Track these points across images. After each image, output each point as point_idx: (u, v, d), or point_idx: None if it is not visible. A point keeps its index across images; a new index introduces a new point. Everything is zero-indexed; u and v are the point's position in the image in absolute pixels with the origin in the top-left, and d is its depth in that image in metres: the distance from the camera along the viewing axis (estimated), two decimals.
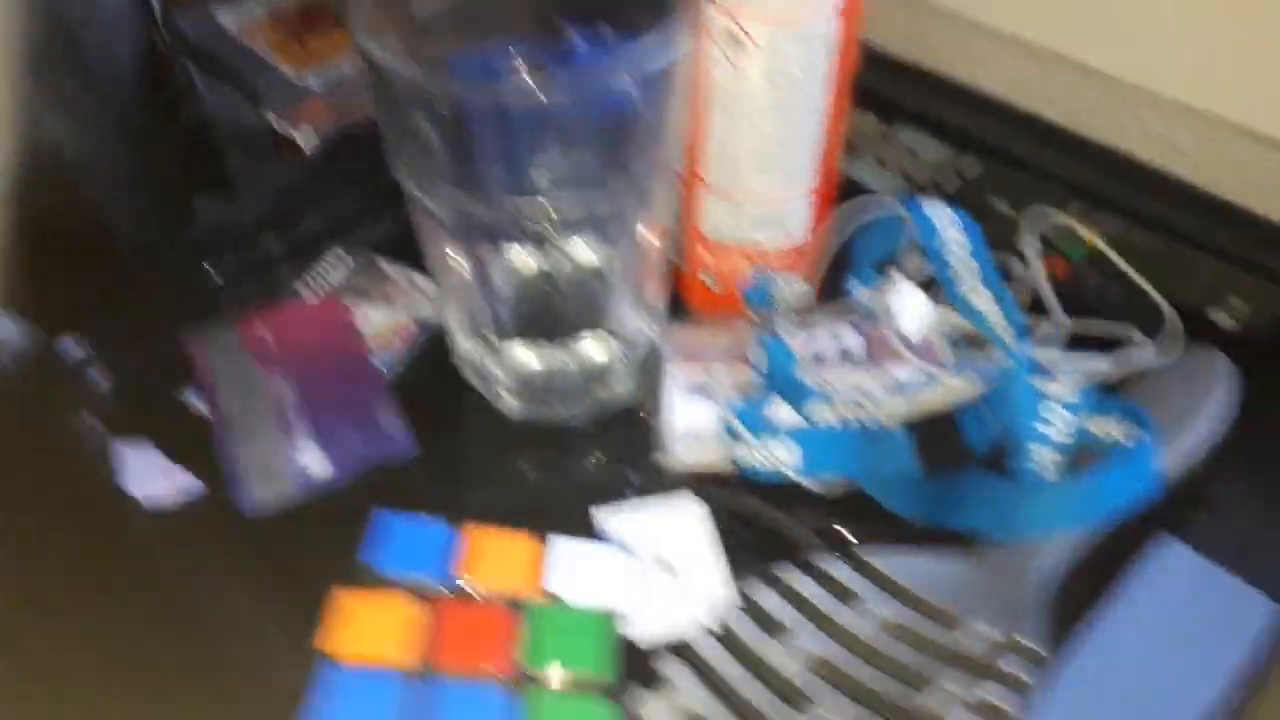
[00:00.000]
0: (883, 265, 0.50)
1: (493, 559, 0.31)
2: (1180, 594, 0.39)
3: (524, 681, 0.28)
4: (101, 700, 0.36)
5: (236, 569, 0.40)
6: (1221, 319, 0.48)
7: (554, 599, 0.30)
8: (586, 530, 0.40)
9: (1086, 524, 0.40)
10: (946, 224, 0.47)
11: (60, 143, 0.57)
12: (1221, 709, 0.35)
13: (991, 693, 0.33)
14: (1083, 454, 0.42)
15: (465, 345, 0.46)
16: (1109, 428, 0.42)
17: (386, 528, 0.31)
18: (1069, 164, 0.58)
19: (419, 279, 0.52)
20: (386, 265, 0.52)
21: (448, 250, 0.43)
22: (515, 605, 0.29)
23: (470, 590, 0.30)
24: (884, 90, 0.61)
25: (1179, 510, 0.41)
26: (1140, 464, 0.40)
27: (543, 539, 0.31)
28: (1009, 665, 0.34)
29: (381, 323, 0.50)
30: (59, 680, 0.37)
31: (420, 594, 0.29)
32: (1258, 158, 0.54)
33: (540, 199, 0.37)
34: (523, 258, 0.44)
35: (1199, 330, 0.47)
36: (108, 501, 0.42)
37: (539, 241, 0.43)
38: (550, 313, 0.45)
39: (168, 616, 0.39)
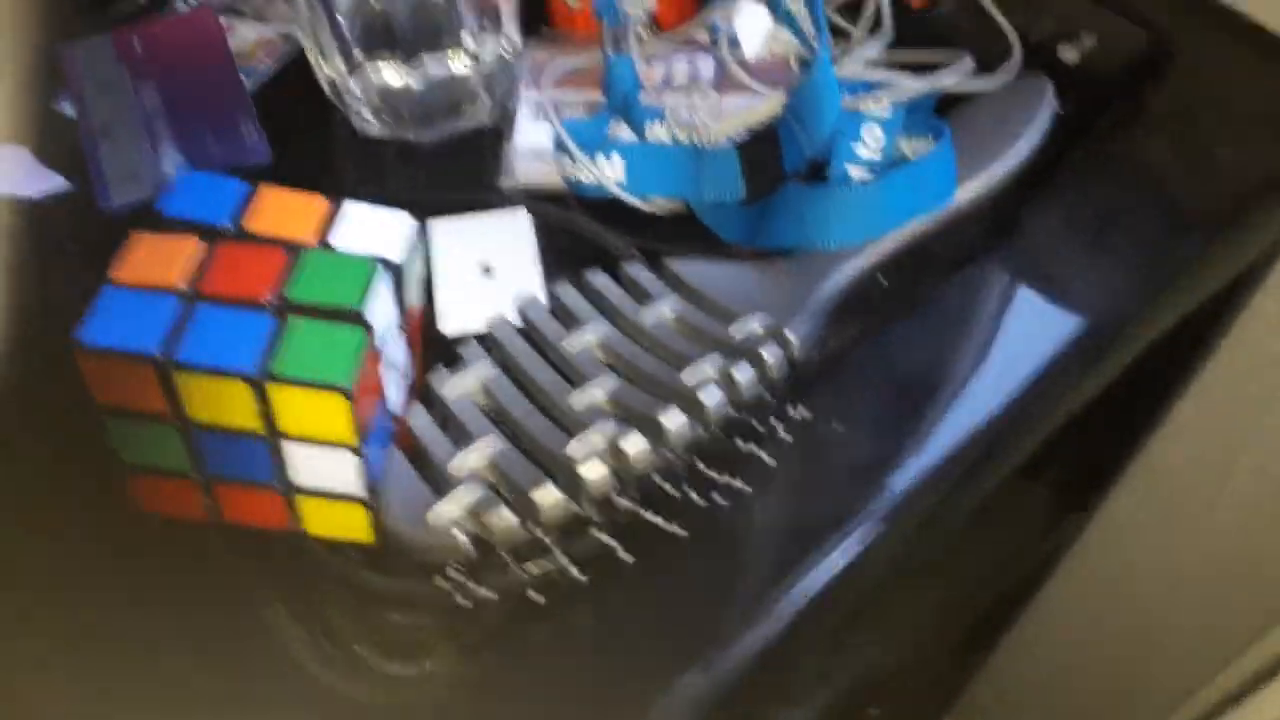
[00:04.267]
0: None
1: (280, 210, 0.34)
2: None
3: (284, 309, 0.31)
4: None
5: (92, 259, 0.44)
6: (1068, 54, 0.48)
7: (329, 247, 0.33)
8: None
9: (880, 231, 0.42)
10: None
11: None
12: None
13: (739, 370, 0.37)
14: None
15: (322, 64, 0.48)
16: (919, 145, 0.44)
17: (185, 180, 0.34)
18: None
19: None
20: None
21: None
22: (290, 248, 0.33)
23: (253, 234, 0.33)
24: None
25: (988, 232, 0.43)
26: (933, 173, 0.41)
27: (336, 201, 0.34)
28: (764, 351, 0.37)
29: (251, 37, 0.51)
30: None
31: (206, 235, 0.33)
32: None
33: None
34: None
35: (1050, 66, 0.47)
36: None
37: None
38: (393, 29, 0.46)
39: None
